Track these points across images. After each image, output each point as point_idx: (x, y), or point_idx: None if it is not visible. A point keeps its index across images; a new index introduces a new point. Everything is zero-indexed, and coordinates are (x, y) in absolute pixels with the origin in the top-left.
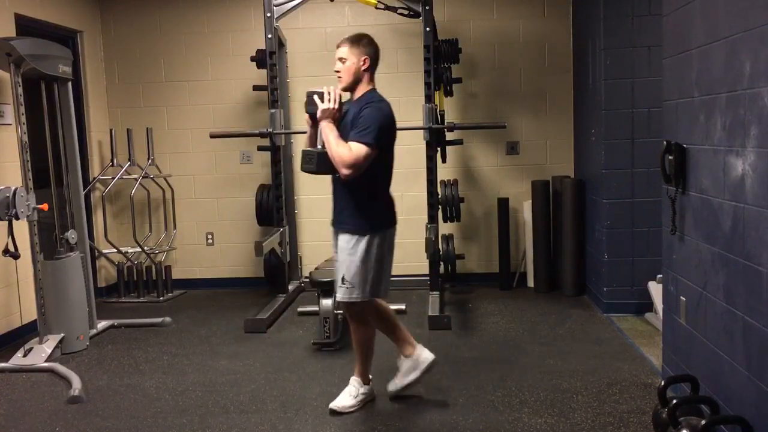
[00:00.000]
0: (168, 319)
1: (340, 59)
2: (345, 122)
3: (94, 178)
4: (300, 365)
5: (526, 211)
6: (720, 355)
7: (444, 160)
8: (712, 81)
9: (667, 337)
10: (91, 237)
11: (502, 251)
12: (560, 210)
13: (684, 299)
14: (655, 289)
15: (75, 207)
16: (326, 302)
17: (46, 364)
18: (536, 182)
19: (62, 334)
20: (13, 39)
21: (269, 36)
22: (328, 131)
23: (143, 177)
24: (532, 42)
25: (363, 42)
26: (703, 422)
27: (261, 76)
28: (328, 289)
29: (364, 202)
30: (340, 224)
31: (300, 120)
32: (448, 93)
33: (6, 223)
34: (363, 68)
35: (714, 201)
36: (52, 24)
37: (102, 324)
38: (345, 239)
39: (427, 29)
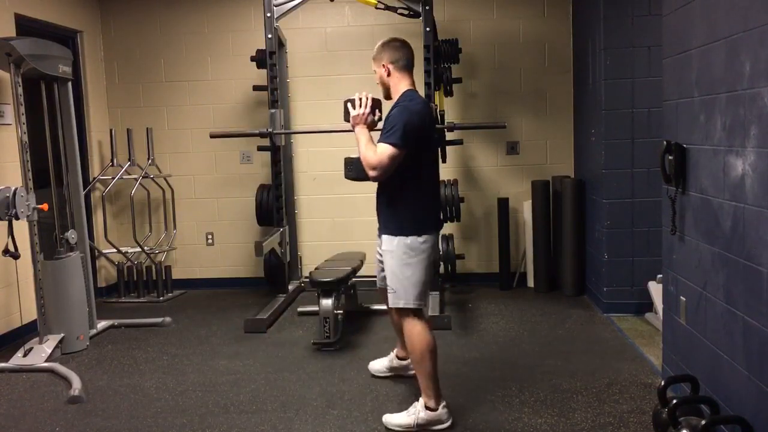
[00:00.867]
0: (168, 319)
1: (374, 71)
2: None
3: (94, 178)
4: (300, 365)
5: (526, 211)
6: (720, 355)
7: (444, 160)
8: (712, 81)
9: (667, 337)
10: (91, 237)
11: (502, 251)
12: (560, 210)
13: (684, 299)
14: (655, 289)
15: (75, 207)
16: (326, 302)
17: (46, 364)
18: (536, 182)
19: (62, 334)
20: (13, 39)
21: (269, 36)
22: (360, 136)
23: (143, 177)
24: (532, 42)
25: (383, 49)
26: (703, 422)
27: (261, 76)
28: (328, 289)
29: (397, 204)
30: (379, 227)
31: (300, 120)
32: (448, 93)
33: (6, 223)
34: (387, 75)
35: (714, 201)
36: (52, 24)
37: (102, 324)
38: (385, 240)
39: (427, 29)
